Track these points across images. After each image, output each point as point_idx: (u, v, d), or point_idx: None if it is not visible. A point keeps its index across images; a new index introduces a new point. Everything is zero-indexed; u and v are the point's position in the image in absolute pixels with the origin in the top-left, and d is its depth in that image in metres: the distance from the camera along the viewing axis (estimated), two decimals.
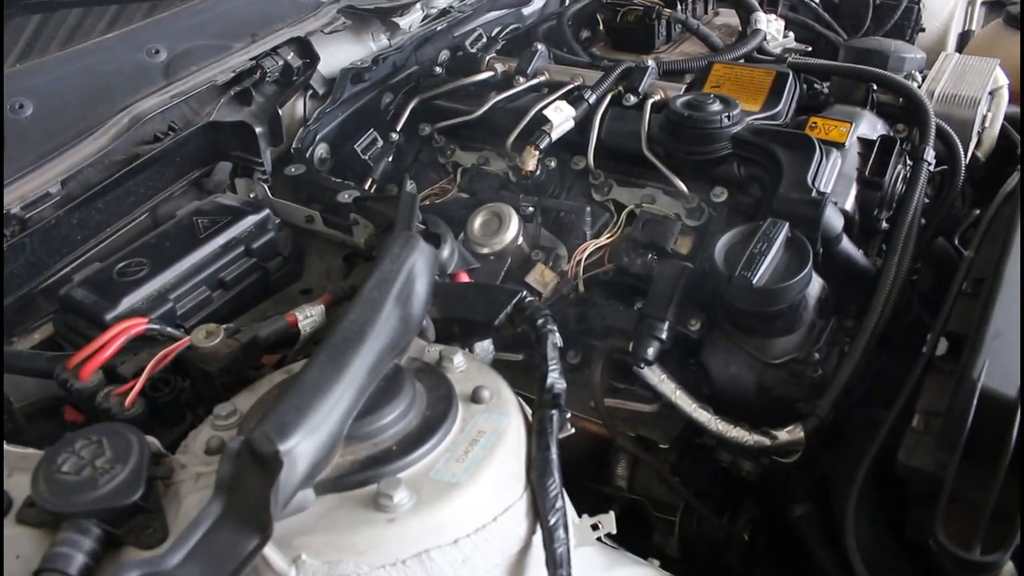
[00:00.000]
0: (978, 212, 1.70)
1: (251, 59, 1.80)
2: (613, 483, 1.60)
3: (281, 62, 1.84)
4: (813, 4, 2.77)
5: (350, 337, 0.93)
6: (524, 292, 1.15)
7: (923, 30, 2.91)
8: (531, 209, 1.62)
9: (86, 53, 1.70)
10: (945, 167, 1.79)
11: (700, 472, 1.57)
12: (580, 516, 1.01)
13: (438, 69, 2.11)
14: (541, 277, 1.58)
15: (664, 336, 1.41)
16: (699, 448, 1.57)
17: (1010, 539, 0.97)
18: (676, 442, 1.54)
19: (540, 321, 1.10)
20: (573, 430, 1.03)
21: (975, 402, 1.08)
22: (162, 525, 0.88)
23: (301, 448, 0.81)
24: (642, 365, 1.41)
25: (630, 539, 1.24)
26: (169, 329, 1.24)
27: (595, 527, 1.01)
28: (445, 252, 1.29)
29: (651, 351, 1.40)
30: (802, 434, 1.39)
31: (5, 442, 0.98)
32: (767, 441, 1.40)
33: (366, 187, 1.84)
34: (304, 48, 1.90)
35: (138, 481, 0.87)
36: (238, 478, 0.82)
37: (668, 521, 1.56)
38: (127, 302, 1.36)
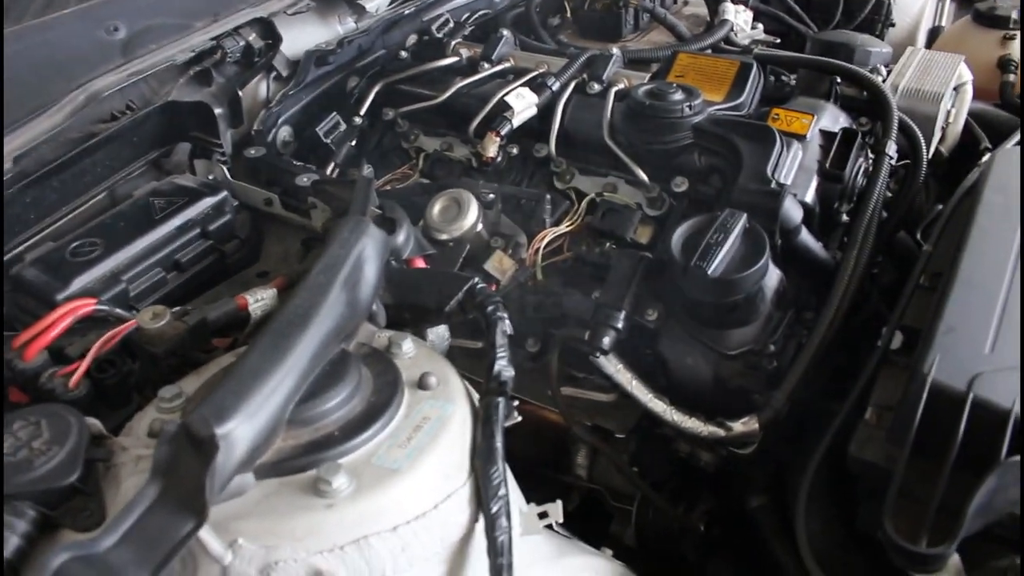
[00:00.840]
0: (941, 207, 1.70)
1: (212, 39, 1.77)
2: (573, 472, 1.60)
3: (243, 43, 1.82)
4: None
5: (294, 321, 0.92)
6: (476, 279, 1.14)
7: (893, 25, 2.92)
8: (491, 196, 1.61)
9: (42, 28, 1.66)
10: (908, 161, 1.80)
11: (658, 462, 1.57)
12: (530, 505, 1.01)
13: (404, 53, 2.10)
14: (500, 264, 1.57)
15: (620, 326, 1.40)
16: (658, 439, 1.56)
17: (955, 532, 0.98)
18: (634, 432, 1.53)
19: (490, 308, 1.10)
20: (520, 418, 1.02)
21: (925, 396, 1.09)
22: (100, 508, 0.87)
23: (239, 432, 0.80)
24: (598, 354, 1.41)
25: (589, 528, 1.25)
26: (119, 310, 1.23)
27: (543, 515, 1.01)
28: (400, 237, 1.28)
29: (607, 340, 1.40)
30: (757, 425, 1.39)
31: None
32: (722, 432, 1.40)
33: (328, 171, 1.82)
34: (267, 29, 1.87)
35: (75, 463, 0.86)
36: (175, 461, 0.81)
37: (626, 511, 1.56)
38: (79, 282, 1.35)
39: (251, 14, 1.85)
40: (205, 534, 0.79)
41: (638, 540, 1.55)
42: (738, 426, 1.39)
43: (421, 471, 0.89)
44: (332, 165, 1.86)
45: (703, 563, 1.55)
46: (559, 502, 1.01)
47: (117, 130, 1.58)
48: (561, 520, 1.01)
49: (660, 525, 1.53)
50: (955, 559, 1.04)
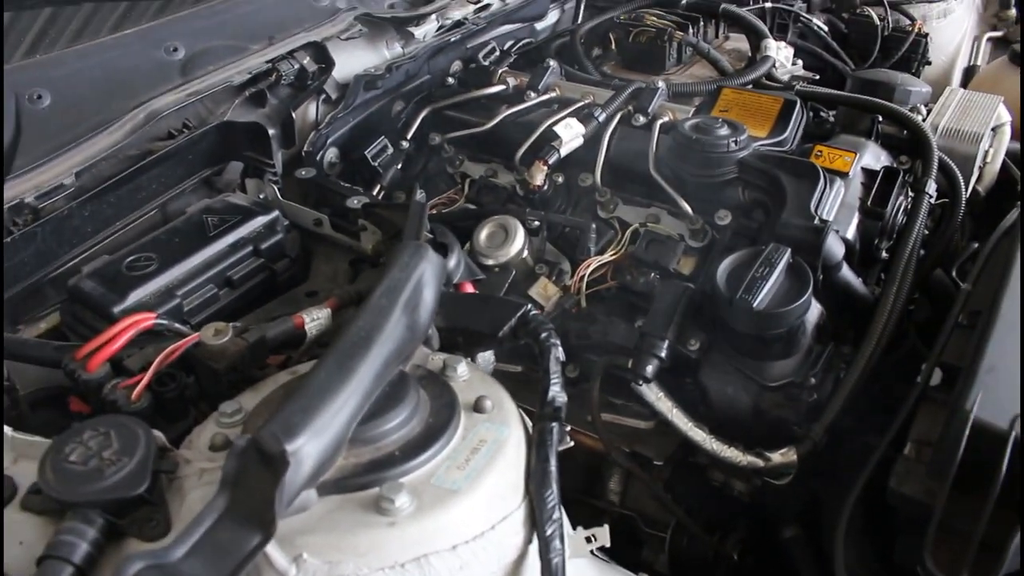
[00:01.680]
0: (977, 245, 1.72)
1: (267, 61, 1.82)
2: (606, 497, 1.61)
3: (297, 66, 1.86)
4: (822, 33, 2.80)
5: (358, 342, 0.94)
6: (529, 305, 1.16)
7: (929, 63, 2.94)
8: (537, 223, 1.64)
9: (105, 48, 1.71)
10: (946, 200, 1.81)
11: (692, 490, 1.58)
12: (575, 529, 1.03)
13: (451, 80, 2.14)
14: (544, 291, 1.60)
15: (663, 354, 1.42)
16: (692, 467, 1.58)
17: (997, 569, 0.99)
18: (670, 460, 1.55)
19: (544, 335, 1.12)
20: (572, 443, 1.04)
21: (967, 433, 1.10)
22: (165, 518, 0.89)
23: (307, 449, 0.82)
24: (640, 382, 1.43)
25: (620, 554, 1.26)
26: (176, 325, 1.25)
27: (589, 540, 1.03)
28: (452, 262, 1.31)
29: (650, 369, 1.42)
30: (795, 456, 1.41)
31: (10, 429, 0.99)
32: (760, 462, 1.41)
33: (374, 193, 1.86)
34: (320, 53, 1.92)
35: (144, 474, 0.88)
36: (243, 475, 0.83)
37: (659, 537, 1.57)
38: (135, 296, 1.37)
39: (305, 38, 1.90)
40: (271, 548, 0.81)
41: (671, 567, 1.56)
42: (777, 457, 1.41)
43: (479, 492, 0.91)
44: (378, 188, 1.89)
45: None
46: (606, 527, 1.03)
47: (174, 148, 1.62)
48: (608, 544, 1.03)
49: (694, 553, 1.54)
50: None
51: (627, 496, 1.61)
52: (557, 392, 1.05)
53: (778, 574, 1.52)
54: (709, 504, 1.58)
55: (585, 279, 1.61)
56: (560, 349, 1.11)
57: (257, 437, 0.83)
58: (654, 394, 1.44)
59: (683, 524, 1.52)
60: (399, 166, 1.95)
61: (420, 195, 1.50)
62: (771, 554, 1.53)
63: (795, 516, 1.54)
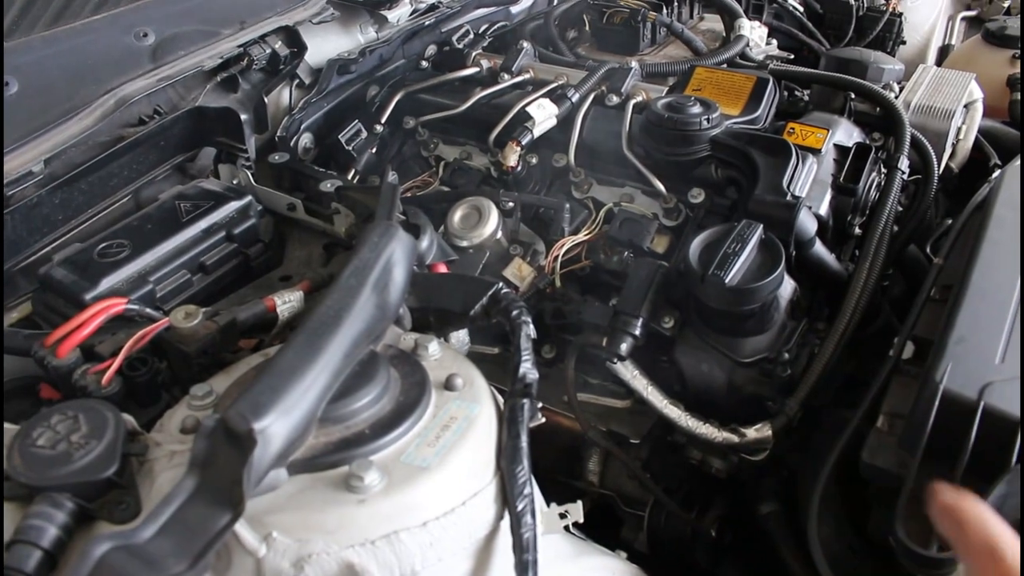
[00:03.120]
0: (950, 221, 1.73)
1: (239, 46, 1.81)
2: (585, 478, 1.62)
3: (268, 50, 1.85)
4: (797, 13, 2.81)
5: (326, 322, 0.94)
6: (500, 284, 1.16)
7: (904, 42, 2.96)
8: (511, 204, 1.64)
9: (73, 33, 1.69)
10: (919, 176, 1.82)
11: (670, 469, 1.59)
12: (550, 506, 1.04)
13: (424, 63, 2.13)
14: (519, 271, 1.60)
15: (637, 332, 1.43)
16: (670, 445, 1.59)
17: None
18: (647, 438, 1.56)
19: (515, 313, 1.12)
20: (544, 419, 1.05)
21: (937, 404, 1.11)
22: (135, 501, 0.89)
23: (275, 428, 0.82)
24: (615, 360, 1.43)
25: (600, 533, 1.27)
26: (148, 310, 1.25)
27: (563, 516, 1.04)
28: (424, 243, 1.31)
29: (624, 347, 1.42)
30: (770, 432, 1.41)
31: None
32: (736, 438, 1.42)
33: (349, 177, 1.85)
34: (292, 37, 1.90)
35: (113, 457, 0.88)
36: (212, 455, 0.84)
37: (637, 516, 1.58)
38: (107, 282, 1.36)
39: (277, 22, 1.89)
40: (240, 527, 0.81)
41: (650, 545, 1.57)
42: (752, 433, 1.42)
43: (449, 469, 0.91)
44: (353, 172, 1.88)
45: (714, 569, 1.57)
46: (579, 503, 1.04)
47: (145, 134, 1.60)
48: (582, 520, 1.04)
49: (672, 530, 1.55)
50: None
51: (606, 476, 1.62)
52: (528, 369, 1.05)
53: (757, 550, 1.53)
54: (687, 482, 1.59)
55: (559, 259, 1.61)
56: (531, 327, 1.11)
57: (225, 417, 0.83)
58: (629, 372, 1.45)
59: (660, 502, 1.52)
60: (373, 150, 1.94)
61: (392, 177, 1.50)
62: (749, 530, 1.54)
63: (773, 492, 1.54)
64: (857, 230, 1.68)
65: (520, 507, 0.92)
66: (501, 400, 1.06)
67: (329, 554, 0.84)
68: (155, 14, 1.79)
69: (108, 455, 0.88)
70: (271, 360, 0.89)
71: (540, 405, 1.06)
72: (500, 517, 0.95)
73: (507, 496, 0.94)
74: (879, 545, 1.17)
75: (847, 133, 1.73)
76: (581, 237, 1.66)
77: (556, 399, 1.53)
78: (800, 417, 1.44)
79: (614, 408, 1.57)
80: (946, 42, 3.15)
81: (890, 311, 1.68)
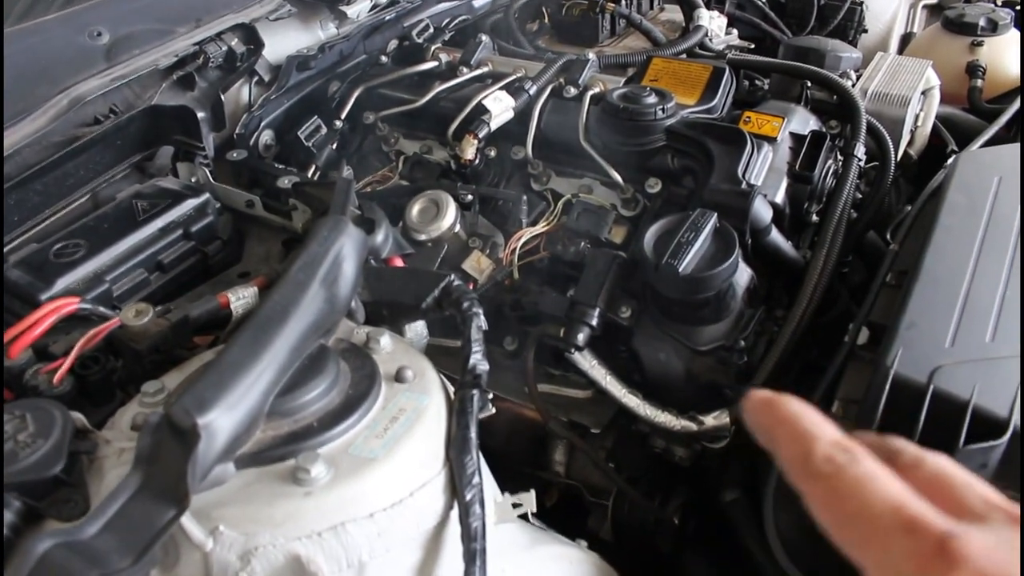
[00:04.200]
0: (910, 208, 1.74)
1: (194, 44, 1.80)
2: (551, 468, 1.62)
3: (225, 48, 1.84)
4: (759, 3, 2.82)
5: (273, 317, 0.94)
6: (452, 276, 1.17)
7: (866, 31, 2.98)
8: (469, 197, 1.64)
9: (26, 33, 1.68)
10: (877, 163, 1.84)
11: (633, 458, 1.60)
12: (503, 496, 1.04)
13: (384, 58, 2.13)
14: (477, 264, 1.60)
15: (594, 322, 1.43)
16: (634, 435, 1.60)
17: None
18: (611, 428, 1.57)
19: (466, 304, 1.12)
20: (494, 410, 1.05)
21: (888, 388, 1.13)
22: (84, 499, 0.89)
23: (220, 422, 0.82)
24: (573, 351, 1.44)
25: (567, 524, 1.27)
26: (102, 309, 1.25)
27: (516, 505, 1.04)
28: (379, 237, 1.31)
29: (581, 337, 1.43)
30: (728, 420, 1.43)
31: None
32: (694, 426, 1.43)
33: (309, 174, 1.85)
34: (249, 34, 1.90)
35: (59, 454, 0.88)
36: (157, 451, 0.83)
37: (602, 506, 1.59)
38: (62, 283, 1.36)
39: (233, 19, 1.88)
40: (187, 521, 0.81)
41: (614, 534, 1.58)
42: (710, 420, 1.43)
43: (397, 460, 0.91)
44: (313, 168, 1.88)
45: (677, 556, 1.58)
46: (532, 492, 1.05)
47: (100, 134, 1.59)
48: (535, 509, 1.04)
49: (635, 519, 1.56)
50: None
51: (572, 467, 1.62)
52: (478, 360, 1.06)
53: (720, 537, 1.54)
54: (651, 471, 1.60)
55: (517, 251, 1.62)
56: (482, 317, 1.12)
57: (168, 412, 0.83)
58: (587, 362, 1.45)
59: (623, 491, 1.53)
60: (334, 146, 1.94)
61: (347, 172, 1.50)
62: (713, 518, 1.55)
63: (736, 480, 1.55)
64: (814, 218, 1.69)
65: (469, 496, 0.93)
66: (452, 390, 1.07)
67: (276, 546, 0.84)
68: (109, 13, 1.78)
69: (55, 453, 0.88)
70: (216, 356, 0.89)
71: (491, 396, 1.06)
72: (449, 507, 0.95)
73: (456, 486, 0.94)
74: None
75: (803, 121, 1.74)
76: (539, 229, 1.66)
77: (520, 391, 1.54)
78: None
79: (576, 399, 1.58)
80: (908, 30, 3.17)
81: (848, 297, 1.69)
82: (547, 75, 1.83)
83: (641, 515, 1.55)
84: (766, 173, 1.59)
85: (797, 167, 1.64)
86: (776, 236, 1.56)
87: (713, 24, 2.26)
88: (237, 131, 1.84)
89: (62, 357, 1.14)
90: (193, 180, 1.71)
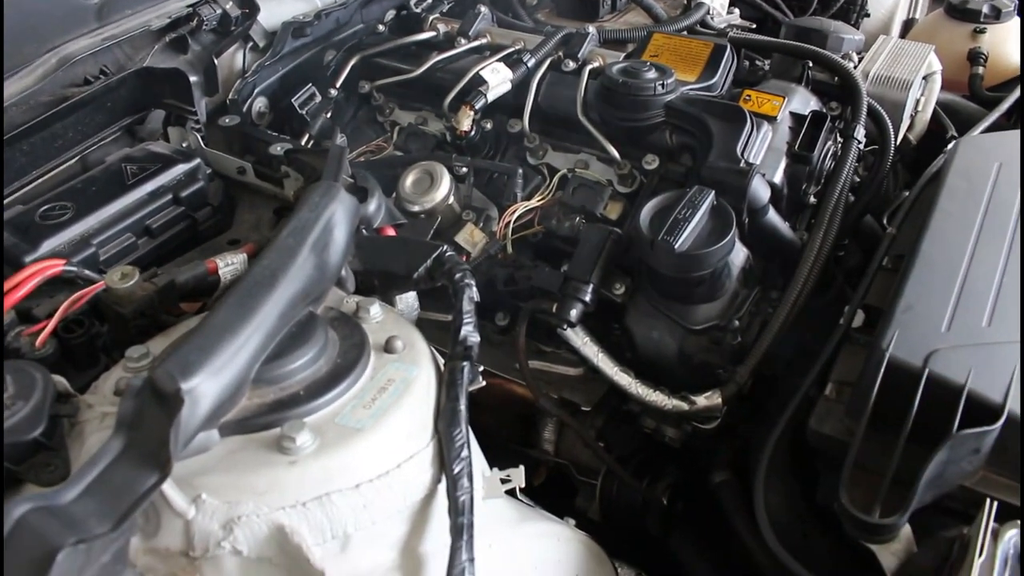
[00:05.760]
0: (907, 193, 1.73)
1: (188, 6, 1.77)
2: (540, 447, 1.61)
3: (219, 11, 1.81)
4: None
5: (261, 282, 0.93)
6: (444, 246, 1.15)
7: (868, 15, 2.96)
8: (464, 169, 1.62)
9: None
10: (877, 147, 1.82)
11: (624, 437, 1.59)
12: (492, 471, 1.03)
13: (381, 27, 2.10)
14: (471, 237, 1.58)
15: (588, 298, 1.42)
16: (625, 414, 1.59)
17: (907, 503, 1.00)
18: (602, 407, 1.56)
19: (458, 276, 1.11)
20: (484, 383, 1.04)
21: (883, 371, 1.12)
22: (64, 463, 0.87)
23: (204, 388, 0.81)
24: (565, 327, 1.42)
25: (556, 502, 1.26)
26: (88, 272, 1.22)
27: (505, 480, 1.03)
28: (372, 206, 1.29)
29: (574, 313, 1.41)
30: (720, 400, 1.41)
31: None
32: (685, 406, 1.42)
33: (303, 142, 1.82)
34: None
35: (39, 417, 0.86)
36: (140, 416, 0.82)
37: (591, 485, 1.58)
38: (48, 245, 1.33)
39: None
40: (168, 488, 0.80)
41: (602, 513, 1.57)
42: (701, 400, 1.42)
43: (384, 431, 0.90)
44: (307, 136, 1.86)
45: (666, 537, 1.57)
46: (521, 468, 1.03)
47: (90, 95, 1.57)
48: (523, 485, 1.03)
49: (624, 499, 1.55)
50: (906, 530, 1.07)
51: (561, 445, 1.61)
52: (469, 332, 1.04)
53: (708, 518, 1.54)
54: (641, 451, 1.59)
55: (511, 225, 1.60)
56: (474, 289, 1.10)
57: (152, 376, 0.81)
58: (579, 339, 1.44)
59: (612, 471, 1.52)
60: (328, 115, 1.91)
61: (341, 139, 1.48)
62: (701, 499, 1.54)
63: (726, 461, 1.54)
64: (812, 199, 1.67)
65: (457, 470, 0.92)
66: (441, 362, 1.05)
67: (259, 516, 0.83)
68: None
69: (34, 416, 0.86)
70: (202, 320, 0.87)
71: (481, 369, 1.05)
72: (437, 481, 0.94)
73: (444, 459, 0.93)
74: (828, 513, 1.18)
75: (803, 101, 1.72)
76: (534, 203, 1.64)
77: (511, 366, 1.52)
78: (752, 386, 1.44)
79: (567, 376, 1.57)
80: (910, 15, 3.15)
81: (843, 280, 1.68)
82: (546, 48, 1.81)
83: (630, 495, 1.55)
84: (765, 152, 1.57)
85: (796, 147, 1.62)
86: (773, 216, 1.54)
87: (715, 2, 2.24)
88: (230, 97, 1.81)
89: (45, 320, 1.12)
90: (184, 145, 1.68)
